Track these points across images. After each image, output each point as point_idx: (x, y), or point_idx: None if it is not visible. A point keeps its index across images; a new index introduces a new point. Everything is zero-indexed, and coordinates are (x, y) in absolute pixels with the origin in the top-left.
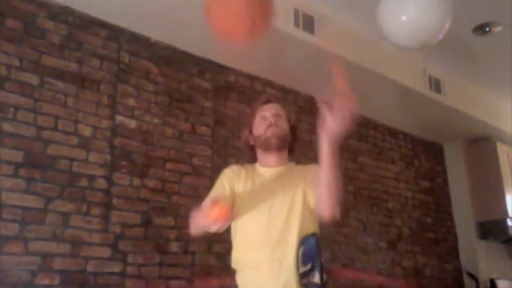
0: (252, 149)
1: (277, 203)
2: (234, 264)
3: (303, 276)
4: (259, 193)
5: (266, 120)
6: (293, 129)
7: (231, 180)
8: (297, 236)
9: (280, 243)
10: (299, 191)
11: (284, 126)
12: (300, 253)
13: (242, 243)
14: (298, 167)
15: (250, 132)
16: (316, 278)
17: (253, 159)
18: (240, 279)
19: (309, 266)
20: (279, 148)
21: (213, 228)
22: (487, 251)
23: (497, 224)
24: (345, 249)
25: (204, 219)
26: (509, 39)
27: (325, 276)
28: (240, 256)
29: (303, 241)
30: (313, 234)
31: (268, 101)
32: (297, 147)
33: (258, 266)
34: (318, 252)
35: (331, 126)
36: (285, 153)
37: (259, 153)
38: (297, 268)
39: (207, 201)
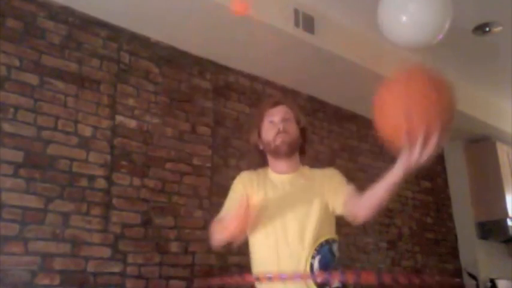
0: (261, 153)
1: (292, 214)
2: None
3: (323, 285)
4: (273, 204)
5: (275, 126)
6: (302, 131)
7: (243, 193)
8: (313, 245)
9: (297, 254)
10: (316, 201)
11: (293, 131)
12: (317, 262)
13: (260, 257)
14: (313, 172)
15: (259, 136)
16: (336, 283)
17: (263, 163)
18: None
19: (327, 273)
20: (289, 154)
21: (232, 240)
22: (487, 251)
23: (497, 224)
24: (345, 249)
25: (222, 233)
26: (509, 39)
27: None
28: (260, 270)
29: (318, 250)
30: (327, 241)
31: (276, 104)
32: (307, 148)
33: (277, 279)
34: (333, 257)
35: (410, 160)
36: (296, 157)
37: (270, 158)
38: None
39: (223, 214)
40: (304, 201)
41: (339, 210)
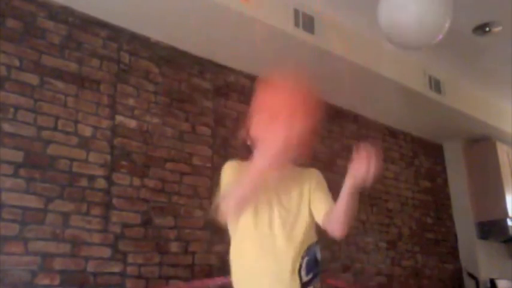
0: (249, 150)
1: (281, 210)
2: (232, 273)
3: (306, 285)
4: (259, 199)
5: None
6: None
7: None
8: (302, 245)
9: (285, 253)
10: (304, 200)
11: None
12: (304, 263)
13: (242, 252)
14: (299, 171)
15: (248, 132)
16: (318, 285)
17: (250, 160)
18: None
19: (311, 275)
20: None
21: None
22: (487, 251)
23: (497, 224)
24: (345, 249)
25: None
26: (509, 39)
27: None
28: (240, 266)
29: (307, 251)
30: (316, 243)
31: None
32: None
33: (261, 277)
34: (318, 260)
35: (357, 173)
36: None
37: None
38: (300, 278)
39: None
40: (292, 201)
41: (319, 221)
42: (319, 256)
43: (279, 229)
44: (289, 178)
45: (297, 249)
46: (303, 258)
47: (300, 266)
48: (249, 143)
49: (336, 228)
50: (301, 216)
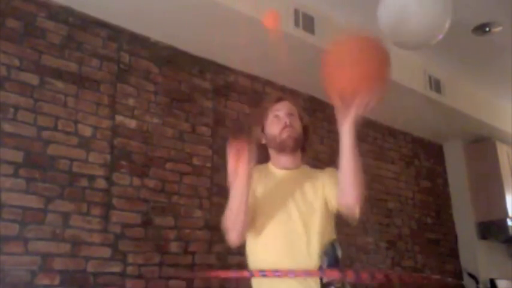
0: (264, 148)
1: (296, 211)
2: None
3: (328, 286)
4: (276, 199)
5: (280, 120)
6: (305, 128)
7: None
8: (319, 245)
9: (304, 253)
10: (318, 199)
11: (298, 126)
12: (324, 262)
13: (262, 254)
14: (314, 172)
15: (263, 130)
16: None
17: (264, 159)
18: None
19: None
20: (293, 149)
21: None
22: (487, 251)
23: (497, 224)
24: (345, 249)
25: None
26: (509, 39)
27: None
28: (262, 267)
29: (326, 250)
30: (333, 242)
31: (280, 99)
32: (308, 146)
33: (282, 278)
34: (338, 258)
35: (350, 112)
36: (299, 154)
37: (273, 153)
38: (321, 278)
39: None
40: (308, 200)
41: (335, 204)
42: (339, 253)
43: (297, 233)
44: (303, 178)
45: (315, 249)
46: (321, 257)
47: (320, 266)
48: (264, 141)
49: (348, 202)
50: (316, 214)
